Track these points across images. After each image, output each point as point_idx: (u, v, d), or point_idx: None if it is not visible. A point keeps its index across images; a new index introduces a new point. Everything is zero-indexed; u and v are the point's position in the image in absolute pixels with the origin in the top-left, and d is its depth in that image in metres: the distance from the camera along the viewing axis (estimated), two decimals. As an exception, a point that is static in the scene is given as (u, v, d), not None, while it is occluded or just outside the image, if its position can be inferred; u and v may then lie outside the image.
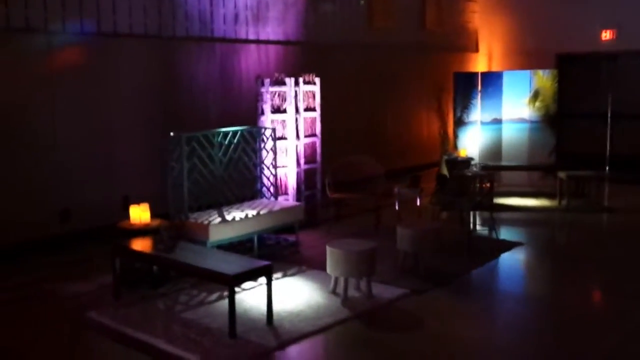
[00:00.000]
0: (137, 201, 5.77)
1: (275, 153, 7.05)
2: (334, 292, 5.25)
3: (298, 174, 7.75)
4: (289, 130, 7.56)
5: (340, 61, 10.38)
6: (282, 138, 7.54)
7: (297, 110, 7.72)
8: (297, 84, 7.71)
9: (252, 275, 4.55)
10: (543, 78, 10.55)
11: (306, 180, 7.84)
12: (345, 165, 7.84)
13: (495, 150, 10.64)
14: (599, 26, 12.34)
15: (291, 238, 6.92)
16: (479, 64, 13.89)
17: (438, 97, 10.81)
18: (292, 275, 5.82)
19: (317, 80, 7.97)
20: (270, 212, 6.34)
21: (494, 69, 13.61)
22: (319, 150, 7.99)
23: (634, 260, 6.52)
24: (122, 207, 6.92)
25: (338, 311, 4.89)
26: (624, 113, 12.37)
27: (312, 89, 7.93)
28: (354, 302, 5.12)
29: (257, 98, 7.33)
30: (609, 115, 12.53)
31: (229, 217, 6.00)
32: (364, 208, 7.72)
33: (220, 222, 5.84)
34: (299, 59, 9.67)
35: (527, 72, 10.82)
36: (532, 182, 10.34)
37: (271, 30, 9.40)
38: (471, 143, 10.57)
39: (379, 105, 11.03)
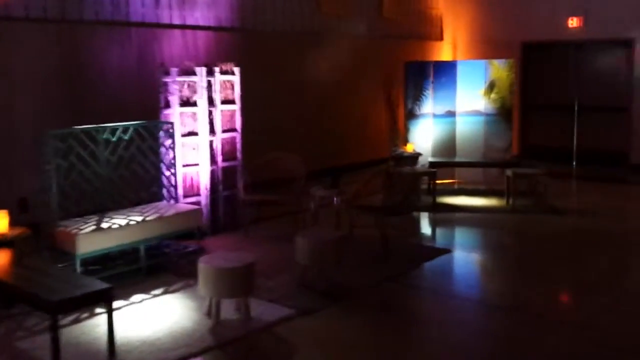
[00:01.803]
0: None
1: (174, 150, 6.36)
2: (208, 314, 4.59)
3: (214, 172, 7.07)
4: (201, 124, 6.87)
5: (284, 50, 9.66)
6: (193, 133, 6.85)
7: (212, 103, 7.03)
8: (212, 73, 7.02)
9: (83, 302, 3.88)
10: (499, 68, 9.86)
11: (225, 179, 7.17)
12: (265, 163, 7.15)
13: (448, 145, 9.97)
14: (566, 13, 11.63)
15: (198, 245, 6.28)
16: (444, 52, 13.19)
17: (388, 88, 10.10)
18: (173, 292, 5.16)
19: (237, 70, 7.27)
20: (160, 218, 5.66)
21: (459, 58, 12.92)
22: (239, 146, 7.31)
23: (564, 271, 5.88)
24: (19, 211, 6.24)
25: (201, 339, 4.23)
26: (592, 105, 11.70)
27: (230, 79, 7.23)
28: (226, 326, 4.46)
29: (160, 89, 6.62)
30: (576, 107, 11.86)
31: (105, 225, 5.33)
32: (287, 211, 7.04)
33: (92, 231, 5.16)
34: (234, 47, 8.95)
35: (482, 61, 10.13)
36: (487, 180, 9.68)
37: (200, 15, 8.68)
38: (423, 137, 9.90)
39: (328, 97, 10.32)
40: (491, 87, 9.87)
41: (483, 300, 5.19)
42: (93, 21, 7.40)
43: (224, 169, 7.18)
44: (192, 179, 6.89)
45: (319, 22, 10.26)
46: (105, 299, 3.90)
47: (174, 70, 6.71)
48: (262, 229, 7.07)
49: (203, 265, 4.47)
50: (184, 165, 6.80)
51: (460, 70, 9.97)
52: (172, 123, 6.38)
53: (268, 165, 7.16)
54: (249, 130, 8.13)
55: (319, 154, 9.86)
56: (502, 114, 9.87)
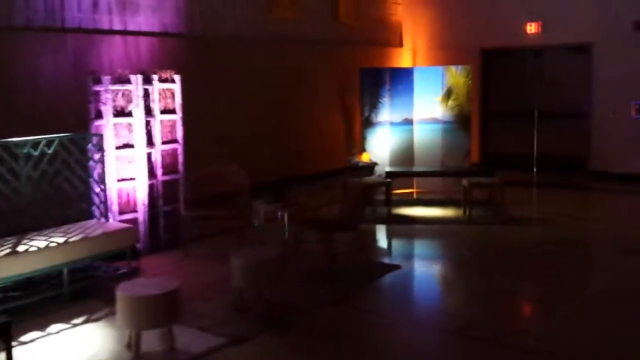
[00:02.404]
0: None
1: (104, 164, 5.93)
2: (128, 346, 4.17)
3: (153, 186, 6.66)
4: (137, 136, 6.46)
5: (235, 57, 9.29)
6: (129, 145, 6.43)
7: (151, 113, 6.62)
8: (149, 81, 6.62)
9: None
10: (456, 74, 9.62)
11: (166, 193, 6.76)
12: (208, 176, 6.75)
13: (406, 154, 9.68)
14: (524, 19, 11.48)
15: (132, 266, 5.86)
16: (404, 59, 12.95)
17: (344, 95, 9.79)
18: (95, 320, 4.74)
19: (177, 77, 6.88)
20: (85, 239, 5.23)
21: (419, 64, 12.69)
22: (180, 158, 6.91)
23: (517, 287, 5.60)
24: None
25: (116, 376, 3.83)
26: (552, 111, 11.55)
27: (171, 87, 6.84)
28: (147, 360, 4.07)
29: (89, 99, 6.18)
30: (536, 113, 11.70)
31: (22, 248, 4.88)
32: (232, 227, 6.65)
33: (6, 255, 4.72)
34: (180, 54, 8.55)
35: (439, 68, 9.89)
36: (446, 189, 9.40)
37: (144, 20, 8.26)
38: (380, 146, 9.60)
39: (281, 106, 9.97)
40: (448, 94, 9.62)
41: (431, 322, 4.87)
42: (24, 27, 6.95)
43: (165, 183, 6.76)
44: (128, 194, 6.47)
45: (272, 28, 9.92)
46: (2, 335, 3.48)
47: (106, 78, 6.28)
48: (204, 247, 6.67)
49: (120, 294, 4.06)
50: (119, 180, 6.38)
51: (417, 77, 9.70)
52: (101, 135, 5.95)
53: (211, 178, 6.77)
54: (196, 141, 7.75)
55: (271, 166, 9.50)
56: (459, 122, 9.62)
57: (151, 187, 6.63)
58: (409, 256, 6.68)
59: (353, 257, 5.99)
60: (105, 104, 6.25)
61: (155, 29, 8.39)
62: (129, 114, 6.41)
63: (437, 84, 9.64)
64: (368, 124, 9.62)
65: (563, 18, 11.06)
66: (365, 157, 8.98)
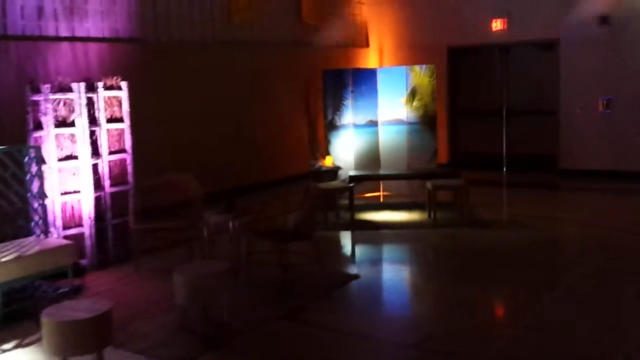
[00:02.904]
0: None
1: (41, 177, 5.61)
2: (54, 374, 3.88)
3: (100, 199, 6.35)
4: (80, 147, 6.14)
5: (190, 62, 9.00)
6: (72, 157, 6.12)
7: (96, 122, 6.32)
8: (93, 89, 6.31)
9: None
10: (420, 74, 9.41)
11: (115, 205, 6.45)
12: (159, 186, 6.46)
13: (372, 157, 9.45)
14: (490, 16, 11.33)
15: (76, 283, 5.56)
16: (370, 59, 12.74)
17: (307, 98, 9.54)
18: (27, 344, 4.43)
19: (124, 84, 6.58)
20: (19, 258, 4.91)
21: (386, 64, 12.49)
22: (130, 169, 6.61)
23: (479, 295, 5.39)
24: None
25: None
26: (520, 109, 11.42)
27: (117, 95, 6.54)
28: (71, 390, 3.77)
29: (27, 109, 5.86)
30: (504, 111, 11.56)
31: (-54, 271, 4.56)
32: (185, 239, 6.35)
33: None
34: (133, 60, 8.25)
35: (403, 68, 9.68)
36: (412, 192, 9.18)
37: (92, 26, 7.94)
38: (345, 149, 9.36)
39: (240, 111, 9.69)
40: (413, 94, 9.41)
41: (387, 336, 4.62)
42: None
43: (113, 194, 6.46)
44: (73, 208, 6.16)
45: (231, 31, 9.64)
46: None
47: (45, 87, 5.96)
48: (156, 261, 6.37)
49: (45, 319, 3.76)
50: (62, 194, 6.07)
51: (380, 77, 9.48)
52: (38, 147, 5.64)
53: (162, 188, 6.48)
54: (149, 150, 7.48)
55: (229, 173, 9.21)
56: (425, 122, 9.41)
57: (98, 200, 6.33)
58: (369, 264, 6.42)
59: (309, 268, 5.73)
60: (45, 114, 5.93)
61: (105, 34, 8.08)
62: (72, 124, 6.10)
63: (401, 84, 9.43)
64: (332, 127, 9.38)
65: (528, 14, 10.93)
66: (328, 161, 8.74)
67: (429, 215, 7.77)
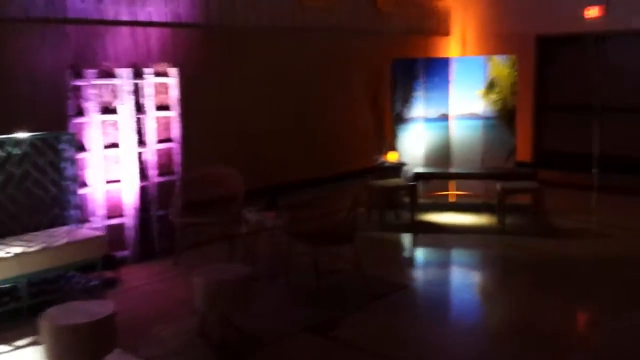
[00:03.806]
0: None
1: (77, 165, 5.45)
2: (56, 379, 3.65)
3: (145, 189, 6.16)
4: (123, 135, 5.96)
5: (258, 49, 8.68)
6: (114, 145, 5.95)
7: (141, 110, 6.12)
8: (140, 75, 6.11)
9: None
10: (499, 65, 8.65)
11: (162, 196, 6.25)
12: (202, 179, 6.19)
13: (443, 153, 8.81)
14: (585, 2, 10.30)
15: (109, 276, 5.40)
16: (451, 49, 11.99)
17: (373, 88, 9.00)
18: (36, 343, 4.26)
19: (174, 71, 6.34)
20: (45, 250, 4.76)
21: (468, 54, 11.71)
22: (177, 158, 6.38)
23: (546, 320, 4.73)
24: None
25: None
26: (616, 105, 10.35)
27: (165, 81, 6.31)
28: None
29: (68, 94, 5.72)
30: (598, 107, 10.52)
31: (-32, 259, 4.46)
32: (228, 235, 6.05)
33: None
34: (197, 46, 8.04)
35: (481, 58, 8.94)
36: (487, 192, 8.47)
37: (154, 10, 7.76)
38: (413, 144, 8.78)
39: (303, 101, 9.29)
40: (491, 86, 8.67)
41: None
42: (22, 18, 6.58)
43: (160, 185, 6.26)
44: (115, 197, 5.99)
45: (300, 17, 9.24)
46: None
47: (89, 72, 5.80)
48: (197, 256, 6.11)
49: (43, 322, 3.53)
50: (107, 182, 5.92)
51: (455, 68, 8.80)
52: (74, 134, 5.48)
53: (205, 181, 6.20)
54: (203, 140, 7.26)
55: (289, 166, 8.85)
56: (503, 117, 8.65)
57: (143, 190, 6.14)
58: (421, 272, 5.88)
59: (350, 275, 5.26)
60: (88, 100, 5.78)
61: (168, 19, 7.88)
62: (116, 111, 5.92)
63: (478, 75, 8.71)
64: (399, 120, 8.82)
65: (629, 0, 9.83)
66: (391, 157, 8.18)
67: (499, 221, 7.08)
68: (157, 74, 6.24)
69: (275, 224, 5.22)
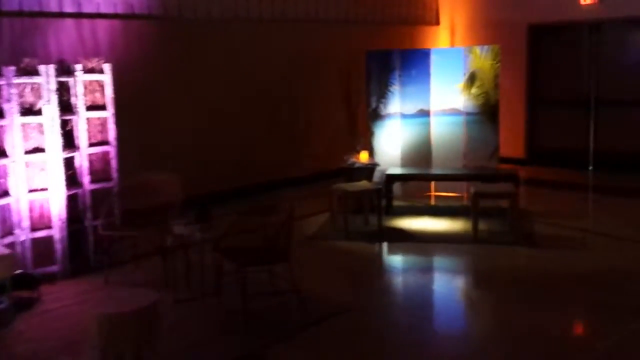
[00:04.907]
0: None
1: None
2: None
3: (77, 197, 5.61)
4: (48, 138, 5.40)
5: (221, 42, 8.10)
6: (39, 150, 5.39)
7: (71, 110, 5.57)
8: (69, 73, 5.55)
9: None
10: (480, 57, 8.00)
11: (97, 205, 5.69)
12: (138, 187, 5.62)
13: (422, 152, 8.20)
14: (579, -13, 9.61)
15: (27, 297, 4.87)
16: (440, 39, 11.33)
17: (347, 82, 8.38)
18: None
19: (107, 67, 5.78)
20: None
21: (457, 44, 11.05)
22: (114, 163, 5.83)
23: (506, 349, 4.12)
24: None
25: None
26: (611, 98, 9.65)
27: (99, 79, 5.75)
28: None
29: (-17, 95, 5.17)
30: (593, 101, 9.83)
31: None
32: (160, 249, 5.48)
33: None
34: (150, 40, 7.49)
35: (460, 49, 8.31)
36: (468, 193, 7.84)
37: (102, 1, 7.22)
38: (390, 143, 8.17)
39: (267, 98, 8.69)
40: (472, 80, 8.03)
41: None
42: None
43: (94, 192, 5.70)
44: (41, 207, 5.45)
45: (270, 6, 8.63)
46: None
47: (9, 70, 5.25)
48: (132, 272, 5.55)
49: None
50: (30, 191, 5.37)
51: (434, 60, 8.16)
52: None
53: (142, 189, 5.63)
54: (150, 141, 6.72)
55: (247, 168, 8.27)
56: (485, 113, 8.02)
57: (74, 198, 5.59)
58: (372, 293, 5.22)
59: (287, 296, 4.67)
60: (8, 100, 5.22)
61: (118, 10, 7.31)
62: (39, 112, 5.36)
63: (457, 68, 8.06)
64: (375, 116, 8.21)
65: (626, -15, 9.13)
66: (363, 157, 7.58)
67: (472, 228, 6.45)
68: (90, 71, 5.67)
69: (205, 237, 4.64)
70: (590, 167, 9.86)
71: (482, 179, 7.06)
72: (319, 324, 4.39)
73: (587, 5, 9.50)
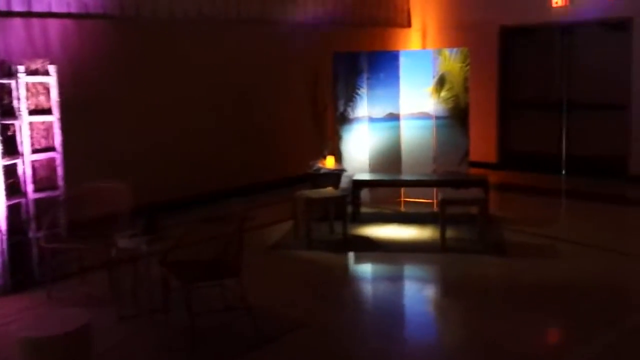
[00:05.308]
0: None
1: None
2: None
3: (19, 207, 5.27)
4: (-13, 144, 5.06)
5: (183, 44, 7.78)
6: (-23, 156, 5.05)
7: (13, 114, 5.23)
8: (10, 74, 5.21)
9: None
10: (450, 59, 7.78)
11: (40, 215, 5.34)
12: (84, 196, 5.29)
13: (392, 157, 7.96)
14: (550, -11, 9.46)
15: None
16: (412, 41, 11.13)
17: (314, 85, 8.11)
18: None
19: (52, 68, 5.44)
20: None
21: (429, 47, 10.85)
22: (59, 171, 5.49)
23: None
24: None
25: None
26: (583, 102, 9.51)
27: (44, 81, 5.41)
28: None
29: None
30: (564, 105, 9.68)
31: None
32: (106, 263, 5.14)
33: None
34: (105, 40, 7.15)
35: (429, 52, 8.10)
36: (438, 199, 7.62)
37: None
38: (358, 147, 7.92)
39: (243, 102, 8.42)
40: (441, 83, 7.81)
41: None
42: None
43: (39, 202, 5.36)
44: (-20, 217, 5.10)
45: (235, 7, 8.33)
46: None
47: (-59, 71, 4.90)
48: (76, 286, 5.21)
49: None
50: (-34, 200, 5.02)
51: (403, 63, 7.93)
52: None
53: (90, 198, 5.30)
54: (102, 147, 6.39)
55: (208, 174, 7.97)
56: (455, 117, 7.80)
57: (14, 208, 5.24)
58: (335, 306, 4.92)
59: (240, 312, 4.37)
60: (-60, 104, 4.88)
61: (72, 9, 6.96)
62: (-24, 116, 5.02)
63: (427, 71, 7.84)
64: (343, 120, 7.95)
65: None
66: (329, 163, 7.31)
67: (440, 236, 6.20)
68: (34, 72, 5.33)
69: (151, 250, 4.33)
70: (563, 172, 9.72)
71: (451, 185, 6.85)
72: (272, 342, 4.10)
73: (558, 7, 9.36)
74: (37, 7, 6.69)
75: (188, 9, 7.82)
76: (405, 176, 7.59)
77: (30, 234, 5.31)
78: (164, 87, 7.60)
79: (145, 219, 4.48)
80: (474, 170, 8.54)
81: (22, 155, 5.28)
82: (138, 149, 7.28)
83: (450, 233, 6.15)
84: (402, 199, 7.97)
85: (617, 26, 8.93)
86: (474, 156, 8.45)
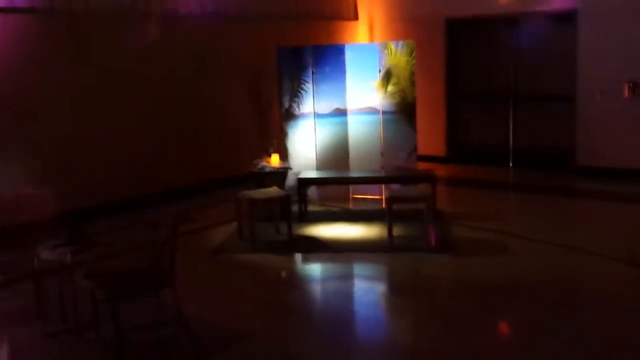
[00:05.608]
0: None
1: None
2: None
3: None
4: None
5: (106, 39, 7.37)
6: None
7: None
8: None
9: None
10: (396, 53, 7.63)
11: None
12: (6, 202, 4.94)
13: (339, 153, 7.77)
14: (496, -20, 9.42)
15: None
16: (359, 34, 10.97)
17: (257, 81, 7.85)
18: None
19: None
20: None
21: (376, 40, 10.70)
22: (-19, 176, 5.11)
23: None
24: None
25: None
26: (530, 94, 9.53)
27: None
28: None
29: None
30: (511, 97, 9.68)
31: None
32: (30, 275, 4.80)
33: None
34: (32, 36, 6.73)
35: (375, 45, 7.94)
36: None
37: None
38: (305, 144, 7.71)
39: (180, 100, 8.09)
40: (387, 77, 7.66)
41: None
42: None
43: (-42, 210, 4.97)
44: None
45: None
46: None
47: None
48: (1, 300, 4.86)
49: None
50: None
51: (349, 56, 7.74)
52: None
53: (13, 205, 4.95)
54: (24, 150, 5.99)
55: (152, 174, 7.64)
56: (402, 111, 7.66)
57: None
58: (279, 313, 4.70)
59: (177, 326, 4.11)
60: None
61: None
62: None
63: (372, 65, 7.68)
64: (289, 116, 7.73)
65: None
66: (274, 161, 7.08)
67: (388, 234, 6.05)
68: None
69: (77, 261, 4.02)
70: (511, 164, 9.73)
71: (398, 181, 6.71)
72: (213, 355, 3.85)
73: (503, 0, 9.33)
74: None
75: (124, 3, 7.45)
76: (352, 173, 7.42)
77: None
78: (93, 85, 7.19)
79: (70, 227, 4.16)
80: (422, 164, 8.44)
81: (-62, 161, 4.89)
82: (65, 150, 6.86)
83: (398, 230, 6.02)
84: (351, 196, 7.80)
85: (563, 18, 8.95)
86: (422, 150, 8.36)
